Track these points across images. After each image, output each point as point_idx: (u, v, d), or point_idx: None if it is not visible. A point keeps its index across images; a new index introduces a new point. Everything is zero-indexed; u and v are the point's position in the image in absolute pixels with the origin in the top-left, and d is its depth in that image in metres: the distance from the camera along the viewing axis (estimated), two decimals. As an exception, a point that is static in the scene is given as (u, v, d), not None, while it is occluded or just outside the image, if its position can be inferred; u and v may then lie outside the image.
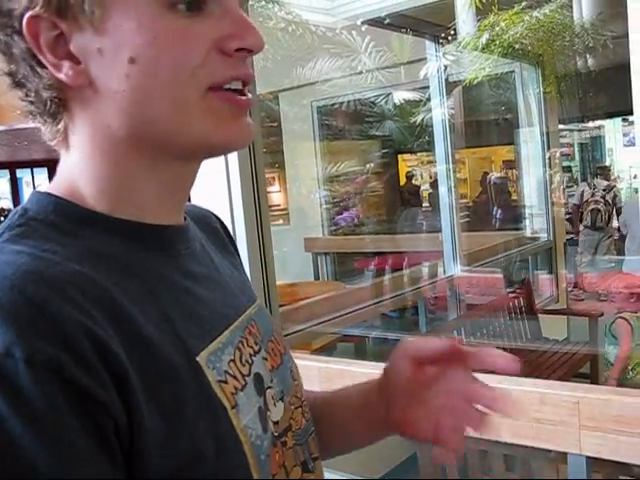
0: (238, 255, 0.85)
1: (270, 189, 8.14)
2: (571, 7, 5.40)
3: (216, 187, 2.05)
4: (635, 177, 8.93)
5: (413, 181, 10.26)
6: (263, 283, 2.12)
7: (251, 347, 0.67)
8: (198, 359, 0.58)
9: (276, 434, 0.65)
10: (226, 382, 0.60)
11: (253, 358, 0.66)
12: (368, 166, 9.19)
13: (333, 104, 7.85)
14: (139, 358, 0.53)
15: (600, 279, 5.86)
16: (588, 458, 1.58)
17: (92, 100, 0.60)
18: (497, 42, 5.51)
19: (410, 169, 10.35)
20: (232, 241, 0.85)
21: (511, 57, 5.83)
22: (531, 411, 1.62)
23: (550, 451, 1.80)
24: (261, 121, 2.47)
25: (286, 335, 2.41)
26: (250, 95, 0.63)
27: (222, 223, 0.86)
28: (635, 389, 1.64)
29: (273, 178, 8.02)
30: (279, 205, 8.09)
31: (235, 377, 0.62)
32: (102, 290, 0.55)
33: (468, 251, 4.69)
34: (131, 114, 0.59)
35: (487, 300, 4.63)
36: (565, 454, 1.63)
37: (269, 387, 0.67)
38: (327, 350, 3.86)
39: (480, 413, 0.74)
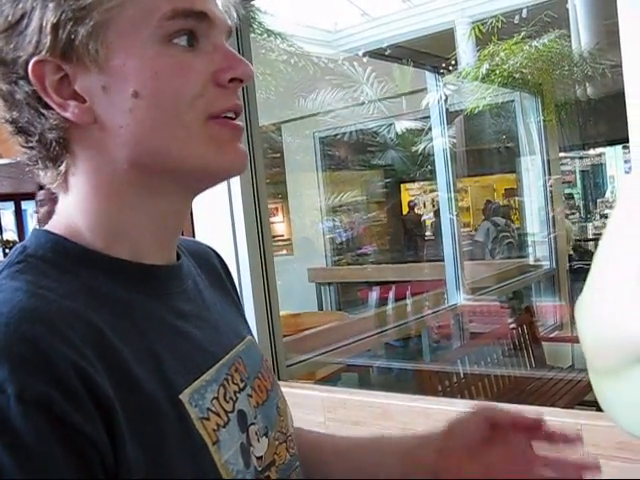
0: (235, 292, 0.87)
1: (273, 219, 8.16)
2: (569, 37, 5.45)
3: (219, 218, 2.07)
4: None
5: (415, 210, 10.28)
6: (267, 313, 2.13)
7: (236, 384, 0.69)
8: (181, 397, 0.60)
9: (259, 469, 0.67)
10: (208, 419, 0.62)
11: (238, 395, 0.68)
12: (369, 196, 9.22)
13: (335, 135, 7.90)
14: (125, 395, 0.55)
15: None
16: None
17: (96, 138, 0.63)
18: (497, 72, 5.57)
19: (412, 198, 10.38)
20: (230, 278, 0.87)
21: (511, 86, 5.89)
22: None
23: None
24: (264, 152, 2.49)
25: (290, 365, 2.41)
26: (241, 123, 0.67)
27: (221, 260, 0.88)
28: None
29: (276, 209, 8.04)
30: (282, 235, 8.11)
31: (218, 414, 0.64)
32: (94, 328, 0.57)
33: (471, 280, 4.70)
34: (135, 146, 0.62)
35: (490, 328, 4.63)
36: (569, 482, 1.62)
37: (253, 423, 0.68)
38: (331, 380, 3.84)
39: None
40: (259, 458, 0.67)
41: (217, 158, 0.65)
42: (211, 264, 0.84)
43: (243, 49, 2.05)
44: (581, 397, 3.88)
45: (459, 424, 0.82)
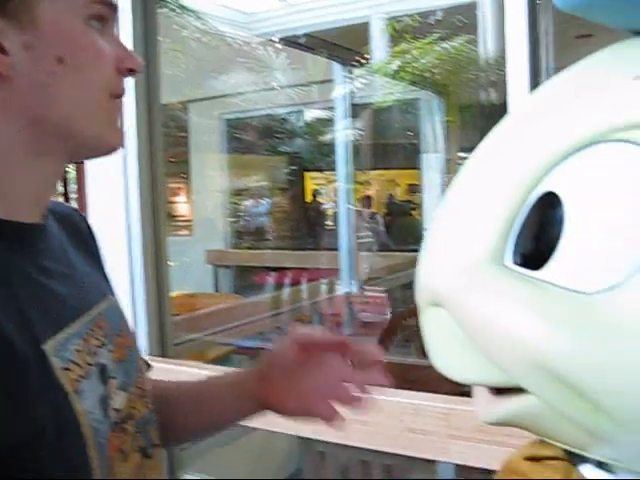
0: (100, 254, 0.90)
1: (176, 199, 8.07)
2: (477, 43, 5.62)
3: (114, 194, 2.05)
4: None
5: (318, 199, 10.36)
6: (157, 290, 2.13)
7: (98, 339, 0.72)
8: (44, 347, 0.63)
9: (117, 420, 0.71)
10: (70, 369, 0.65)
11: (99, 350, 0.72)
12: (274, 182, 9.25)
13: (244, 118, 7.88)
14: None
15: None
16: (456, 465, 1.68)
17: (4, 92, 0.65)
18: (407, 69, 5.69)
19: (317, 187, 10.45)
20: (94, 241, 0.90)
21: (419, 85, 6.03)
22: (406, 421, 1.70)
23: (423, 459, 1.88)
24: (169, 130, 2.48)
25: (179, 344, 2.42)
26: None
27: (87, 223, 0.91)
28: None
29: (179, 188, 7.95)
30: (185, 216, 8.03)
31: (79, 365, 0.67)
32: None
33: (367, 270, 4.80)
34: (45, 107, 0.66)
35: (382, 318, 4.74)
36: (435, 462, 1.72)
37: (113, 377, 0.72)
38: (221, 361, 3.87)
39: (351, 390, 0.86)
40: (117, 410, 0.71)
41: (111, 133, 0.72)
42: (77, 226, 0.86)
43: (148, 23, 2.02)
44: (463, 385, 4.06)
45: (276, 352, 0.91)
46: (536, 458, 0.61)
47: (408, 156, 8.05)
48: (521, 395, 0.50)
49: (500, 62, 5.73)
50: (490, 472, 1.80)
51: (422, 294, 0.58)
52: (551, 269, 0.48)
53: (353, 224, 4.63)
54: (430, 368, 0.59)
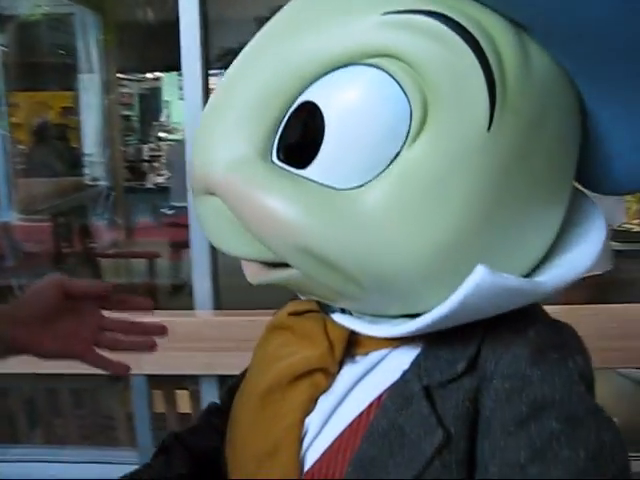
0: None
1: None
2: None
3: None
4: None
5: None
6: None
7: None
8: None
9: None
10: None
11: None
12: None
13: None
14: None
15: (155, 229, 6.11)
16: (148, 376, 1.73)
17: None
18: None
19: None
20: None
21: (73, -1, 5.69)
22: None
23: (113, 377, 1.89)
24: None
25: None
26: None
27: None
28: (187, 310, 1.85)
29: None
30: None
31: None
32: None
33: (26, 197, 4.55)
34: None
35: (44, 247, 4.56)
36: (129, 376, 1.76)
37: None
38: None
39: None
40: None
41: None
42: None
43: None
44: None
45: (32, 294, 0.87)
46: (297, 313, 0.73)
47: (62, 77, 7.61)
48: (287, 268, 0.62)
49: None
50: (179, 377, 1.90)
51: (197, 183, 0.64)
52: (312, 168, 0.58)
53: (9, 150, 4.31)
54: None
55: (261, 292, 0.90)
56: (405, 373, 0.64)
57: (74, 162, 6.37)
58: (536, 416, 0.56)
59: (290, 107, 0.59)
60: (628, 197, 4.18)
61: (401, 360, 0.66)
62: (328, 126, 0.56)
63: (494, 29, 0.55)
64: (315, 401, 0.68)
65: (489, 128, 0.54)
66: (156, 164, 7.98)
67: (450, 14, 0.54)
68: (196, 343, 1.65)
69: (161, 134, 9.00)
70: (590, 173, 0.68)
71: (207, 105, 0.65)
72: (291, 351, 0.70)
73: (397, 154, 0.55)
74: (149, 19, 6.37)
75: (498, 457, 0.56)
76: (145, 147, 8.83)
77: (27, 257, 4.43)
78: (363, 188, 0.56)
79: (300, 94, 0.58)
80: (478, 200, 0.56)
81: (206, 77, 1.75)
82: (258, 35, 0.64)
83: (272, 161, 0.59)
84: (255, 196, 0.57)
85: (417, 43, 0.54)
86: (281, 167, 0.59)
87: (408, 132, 0.55)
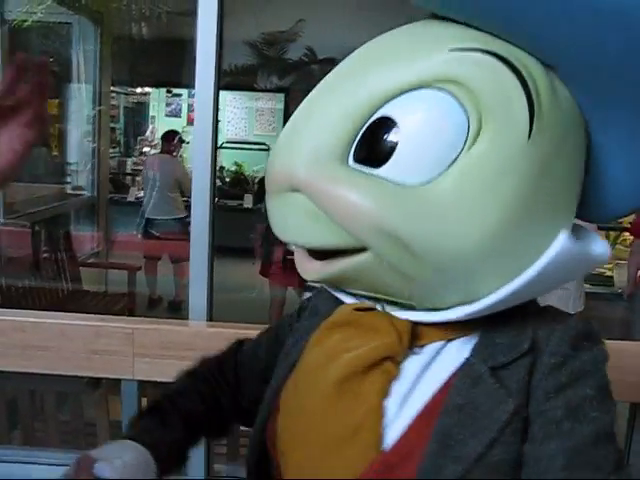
0: None
1: None
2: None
3: None
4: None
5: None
6: None
7: None
8: None
9: None
10: None
11: None
12: None
13: None
14: None
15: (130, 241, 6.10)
16: (140, 382, 1.77)
17: None
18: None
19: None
20: None
21: (71, 8, 5.72)
22: (87, 343, 1.74)
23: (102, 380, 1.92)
24: None
25: None
26: None
27: None
28: (178, 320, 1.90)
29: None
30: None
31: None
32: None
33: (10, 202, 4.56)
34: None
35: (25, 253, 4.55)
36: (120, 381, 1.79)
37: None
38: None
39: None
40: None
41: None
42: None
43: None
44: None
45: None
46: (362, 309, 0.82)
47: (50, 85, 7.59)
48: (358, 255, 0.74)
49: None
50: (169, 384, 1.93)
51: (279, 181, 0.76)
52: (384, 169, 0.72)
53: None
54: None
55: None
56: (468, 359, 0.76)
57: (54, 170, 6.34)
58: (572, 385, 0.72)
59: (367, 121, 0.72)
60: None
61: (460, 349, 0.78)
62: (402, 134, 0.70)
63: (530, 65, 0.72)
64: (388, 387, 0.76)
65: (529, 137, 0.70)
66: (139, 178, 7.97)
67: (499, 52, 0.71)
68: (187, 352, 1.70)
69: (145, 149, 8.99)
70: (585, 202, 0.81)
71: (291, 119, 0.79)
72: (357, 344, 0.78)
73: (456, 158, 0.69)
74: (144, 35, 6.44)
75: (540, 417, 0.71)
76: (128, 161, 8.82)
77: (9, 262, 4.43)
78: (428, 185, 0.70)
79: (375, 111, 0.72)
80: (521, 196, 0.70)
81: (217, 96, 1.82)
82: (336, 68, 0.79)
83: (348, 164, 0.73)
84: (336, 190, 0.71)
85: (475, 73, 0.70)
86: (355, 168, 0.73)
87: (465, 140, 0.69)
